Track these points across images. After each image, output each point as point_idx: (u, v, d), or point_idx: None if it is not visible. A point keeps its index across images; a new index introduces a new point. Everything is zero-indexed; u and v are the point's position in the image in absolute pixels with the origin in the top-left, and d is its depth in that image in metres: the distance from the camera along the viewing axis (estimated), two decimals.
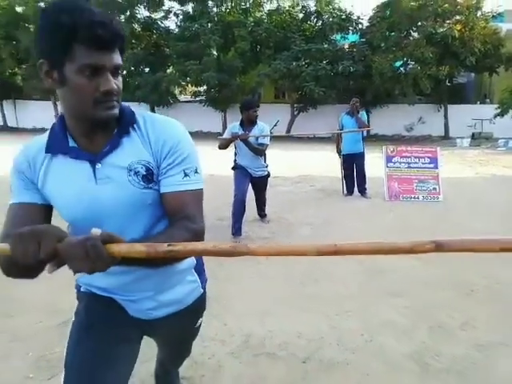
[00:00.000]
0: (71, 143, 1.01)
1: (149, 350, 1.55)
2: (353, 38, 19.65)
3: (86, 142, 1.01)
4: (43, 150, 1.02)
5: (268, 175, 4.36)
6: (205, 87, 19.63)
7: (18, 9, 19.93)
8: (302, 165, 10.21)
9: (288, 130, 20.96)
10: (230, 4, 19.21)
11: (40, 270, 0.82)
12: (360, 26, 18.92)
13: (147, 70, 20.30)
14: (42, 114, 23.52)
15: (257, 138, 3.99)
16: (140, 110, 1.13)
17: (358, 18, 18.75)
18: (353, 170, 6.22)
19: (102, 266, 0.75)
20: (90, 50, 0.88)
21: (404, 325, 2.47)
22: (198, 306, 1.29)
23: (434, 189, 6.11)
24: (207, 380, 1.92)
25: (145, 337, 1.27)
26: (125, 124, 1.02)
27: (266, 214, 4.72)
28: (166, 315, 1.18)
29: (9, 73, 19.86)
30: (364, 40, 18.35)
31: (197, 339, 2.07)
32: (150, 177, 1.02)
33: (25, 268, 0.77)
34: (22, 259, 0.74)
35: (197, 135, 20.35)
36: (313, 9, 18.63)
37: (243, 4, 19.36)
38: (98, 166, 1.00)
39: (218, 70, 18.15)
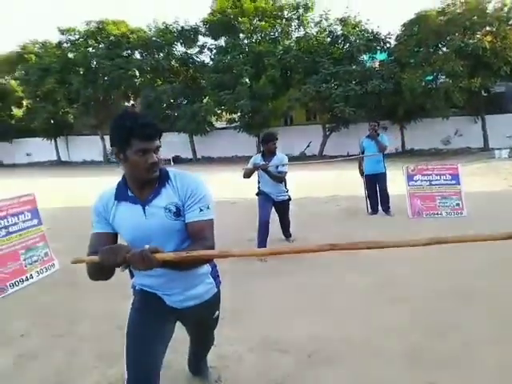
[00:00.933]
0: (130, 193, 1.61)
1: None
2: (381, 56, 19.99)
3: (139, 192, 1.60)
4: (113, 197, 1.62)
5: (289, 199, 4.85)
6: (239, 114, 20.60)
7: (70, 55, 22.13)
8: (331, 185, 10.56)
9: (321, 151, 21.38)
10: (259, 35, 20.25)
11: (114, 271, 1.39)
12: (388, 44, 19.26)
13: (185, 101, 21.63)
14: (90, 148, 25.55)
15: (277, 167, 4.52)
16: (172, 168, 1.71)
17: (385, 37, 19.10)
18: (375, 190, 6.56)
19: (151, 266, 1.31)
20: (141, 141, 1.48)
21: (402, 327, 2.83)
22: (214, 301, 1.85)
23: (457, 204, 6.29)
24: (230, 369, 2.42)
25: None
26: (162, 180, 1.61)
27: (290, 234, 5.18)
28: (191, 306, 1.73)
29: (62, 112, 21.90)
30: (392, 58, 18.63)
31: (223, 339, 2.62)
32: (178, 213, 1.59)
33: (106, 270, 1.34)
34: (106, 263, 1.31)
35: (232, 160, 21.26)
36: (339, 32, 19.21)
37: (272, 34, 20.33)
38: (147, 207, 1.58)
39: (250, 97, 19.07)
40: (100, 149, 24.91)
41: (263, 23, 19.85)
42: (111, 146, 1.54)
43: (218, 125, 25.18)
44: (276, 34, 20.51)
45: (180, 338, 2.04)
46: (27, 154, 25.64)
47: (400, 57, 17.95)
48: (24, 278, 3.97)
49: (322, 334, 2.76)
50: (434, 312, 3.06)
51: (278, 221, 5.07)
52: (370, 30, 19.03)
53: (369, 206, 6.68)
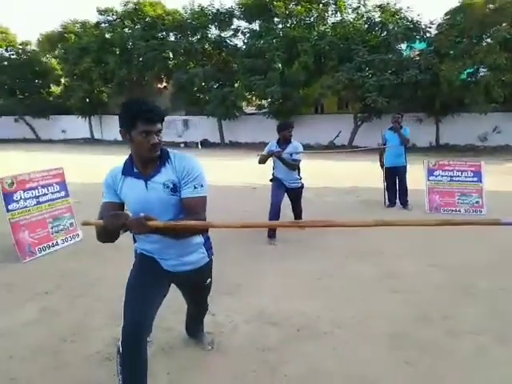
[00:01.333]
0: (135, 170, 1.82)
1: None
2: (420, 46, 19.32)
3: (142, 169, 1.82)
4: (120, 172, 1.85)
5: (302, 186, 4.98)
6: (269, 100, 20.59)
7: (107, 35, 22.72)
8: (355, 176, 10.54)
9: (351, 140, 21.09)
10: (294, 20, 20.00)
11: (117, 235, 1.62)
12: (428, 34, 18.57)
13: (216, 85, 21.81)
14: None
15: (291, 155, 4.65)
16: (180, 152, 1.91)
17: (426, 26, 18.42)
18: (395, 183, 6.57)
19: (144, 230, 1.55)
20: (145, 123, 1.68)
21: (392, 314, 2.96)
22: (206, 268, 2.09)
23: (477, 202, 6.21)
24: (224, 335, 2.65)
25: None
26: (163, 160, 1.82)
27: None
28: (185, 271, 1.97)
29: (97, 91, 22.64)
30: (432, 48, 17.98)
31: (222, 309, 2.85)
32: (174, 189, 1.80)
33: (110, 233, 1.59)
34: (110, 227, 1.55)
35: (259, 146, 21.34)
36: (377, 19, 18.69)
37: (307, 19, 20.03)
38: (148, 182, 1.80)
39: (281, 83, 18.98)
40: None
41: (299, 8, 19.56)
42: (120, 128, 1.75)
43: (248, 110, 25.28)
44: (311, 19, 20.18)
45: (179, 306, 2.29)
46: (62, 131, 26.70)
47: (440, 47, 17.28)
48: (50, 244, 4.35)
49: (314, 313, 2.93)
50: (427, 303, 3.15)
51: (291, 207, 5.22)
52: (410, 19, 18.37)
53: (386, 198, 6.70)
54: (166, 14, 22.38)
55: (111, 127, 26.91)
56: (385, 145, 6.54)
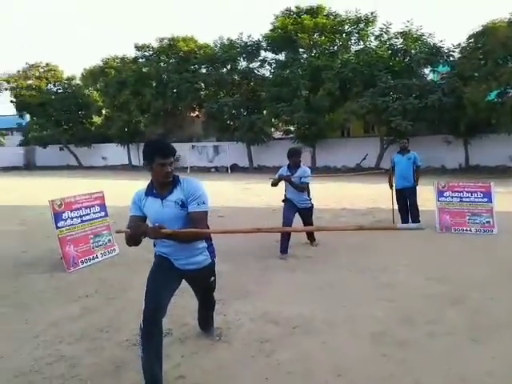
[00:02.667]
0: (154, 191, 2.42)
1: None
2: (443, 69, 19.57)
3: (160, 190, 2.42)
4: (144, 193, 2.45)
5: (311, 206, 5.46)
6: (295, 126, 21.32)
7: (144, 69, 24.48)
8: (375, 198, 10.84)
9: (377, 163, 21.29)
10: (318, 49, 20.86)
11: (140, 240, 2.20)
12: (451, 57, 18.84)
13: (245, 113, 22.86)
14: None
15: (300, 178, 5.17)
16: (188, 175, 2.50)
17: (449, 50, 18.72)
18: (405, 203, 6.93)
19: (158, 236, 2.15)
20: (161, 158, 2.28)
21: (380, 317, 3.35)
22: (209, 268, 2.63)
23: (488, 222, 6.42)
24: (231, 330, 3.15)
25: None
26: (175, 183, 2.42)
27: (314, 239, 5.77)
28: (192, 269, 2.53)
29: (134, 121, 24.22)
30: (455, 71, 18.19)
31: (232, 311, 3.36)
32: (183, 205, 2.37)
33: (134, 239, 2.18)
34: (133, 234, 2.16)
35: None
36: (400, 46, 19.18)
37: (331, 48, 20.84)
38: (164, 200, 2.39)
39: (307, 109, 19.71)
40: None
41: (322, 38, 20.46)
42: (143, 160, 2.37)
43: (276, 135, 26.10)
44: (335, 48, 20.98)
45: (194, 307, 2.83)
46: (103, 158, 28.56)
47: (463, 70, 17.49)
48: (91, 257, 5.05)
49: (310, 315, 3.38)
50: (415, 309, 3.51)
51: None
52: (432, 44, 18.77)
53: (396, 218, 7.07)
54: (198, 48, 23.91)
55: None
56: (393, 168, 7.00)
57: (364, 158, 22.32)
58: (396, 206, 7.15)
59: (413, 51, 18.75)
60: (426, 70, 19.58)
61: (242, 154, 24.24)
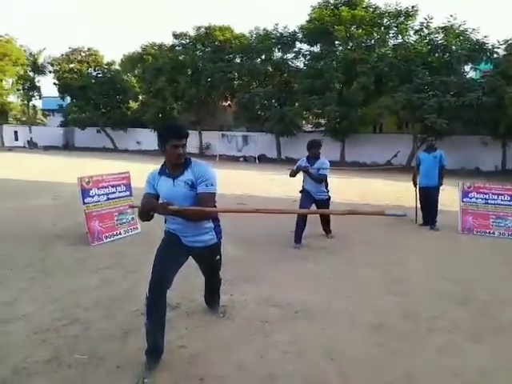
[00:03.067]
0: (167, 171, 2.58)
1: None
2: (486, 67, 18.74)
3: (172, 171, 2.57)
4: (157, 173, 2.62)
5: (328, 198, 5.50)
6: (326, 119, 21.11)
7: (180, 57, 24.88)
8: (394, 194, 10.71)
9: (409, 161, 20.80)
10: (355, 42, 20.46)
11: (151, 215, 2.37)
12: (495, 55, 18.00)
13: (276, 104, 22.85)
14: (189, 140, 28.19)
15: (318, 170, 5.22)
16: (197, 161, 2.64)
17: (493, 47, 17.89)
18: (427, 202, 6.79)
19: (166, 212, 2.33)
20: (175, 139, 2.43)
21: (384, 310, 3.40)
22: (214, 247, 2.78)
23: None
24: (235, 309, 3.30)
25: None
26: (186, 165, 2.56)
27: (330, 231, 5.81)
28: (199, 247, 2.68)
29: (169, 108, 24.75)
30: (498, 69, 17.38)
31: (238, 292, 3.51)
32: (192, 186, 2.52)
33: (146, 213, 2.38)
34: (145, 208, 2.36)
35: None
36: (440, 41, 18.51)
37: (368, 41, 20.39)
38: (175, 180, 2.54)
39: (338, 103, 19.47)
40: (197, 142, 27.50)
41: (360, 31, 20.06)
42: (158, 143, 2.52)
43: (306, 128, 25.95)
44: (372, 42, 20.51)
45: (202, 285, 3.01)
46: (137, 142, 29.44)
47: (507, 68, 16.69)
48: (115, 233, 5.34)
49: (314, 302, 3.47)
50: (420, 305, 3.53)
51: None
52: (475, 40, 17.99)
53: (416, 216, 6.96)
54: (234, 38, 24.02)
55: None
56: (418, 166, 6.85)
57: (395, 155, 21.83)
58: (418, 205, 7.05)
59: (453, 47, 18.08)
60: (467, 68, 18.85)
61: (270, 145, 24.30)
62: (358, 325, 3.12)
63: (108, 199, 5.30)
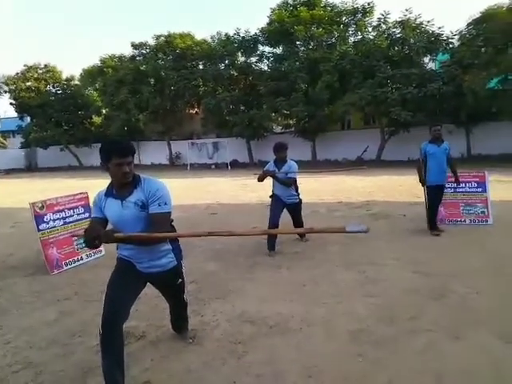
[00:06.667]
0: (114, 192, 2.34)
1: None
2: (443, 58, 19.27)
3: (119, 191, 2.33)
4: (104, 194, 2.37)
5: (299, 202, 5.35)
6: (294, 120, 21.15)
7: (142, 67, 24.38)
8: (368, 191, 10.73)
9: (379, 155, 21.12)
10: (316, 42, 20.61)
11: (97, 244, 2.11)
12: (451, 45, 18.53)
13: (243, 108, 22.71)
14: (158, 151, 27.78)
15: (286, 174, 5.07)
16: (146, 173, 2.41)
17: (448, 38, 18.41)
18: (439, 202, 5.96)
19: (110, 240, 2.05)
20: (118, 157, 2.19)
21: (361, 315, 3.26)
22: (174, 271, 2.55)
23: (483, 212, 6.28)
24: (205, 332, 3.07)
25: None
26: (135, 184, 2.33)
27: (304, 235, 5.67)
28: (156, 272, 2.44)
29: (133, 119, 24.15)
30: (454, 59, 17.88)
31: (210, 311, 3.28)
32: (143, 206, 2.29)
33: (90, 242, 2.08)
34: (87, 238, 2.06)
35: None
36: (398, 35, 18.88)
37: (329, 40, 20.58)
38: (124, 201, 2.30)
39: (305, 103, 19.53)
40: (166, 153, 27.00)
41: (320, 30, 20.21)
42: (101, 161, 2.28)
43: (276, 130, 25.93)
44: (333, 40, 20.73)
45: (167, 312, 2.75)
46: None
47: (463, 58, 17.19)
48: (76, 258, 4.99)
49: (289, 314, 3.29)
50: (397, 305, 3.41)
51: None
52: (431, 32, 18.45)
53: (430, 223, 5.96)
54: (195, 45, 23.74)
55: (148, 152, 28.47)
56: (423, 160, 5.79)
57: (365, 150, 22.11)
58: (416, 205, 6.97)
59: (412, 40, 18.46)
60: (426, 59, 19.30)
61: (241, 150, 24.13)
62: (335, 334, 2.96)
63: (65, 223, 4.96)
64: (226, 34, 22.95)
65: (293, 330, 3.04)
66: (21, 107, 28.51)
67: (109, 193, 2.36)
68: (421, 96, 17.13)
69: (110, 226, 2.39)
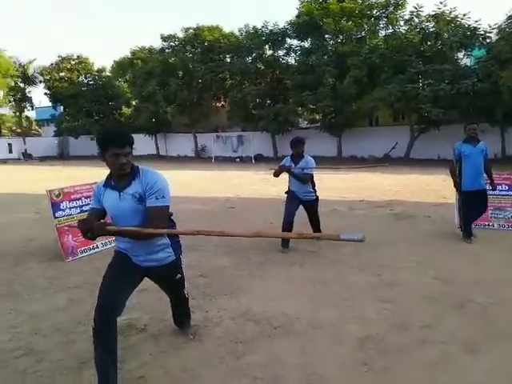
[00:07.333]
0: (112, 183, 2.29)
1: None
2: (479, 53, 18.39)
3: (117, 182, 2.27)
4: (102, 185, 2.32)
5: (316, 199, 5.19)
6: (321, 115, 20.80)
7: (170, 60, 24.59)
8: (402, 188, 10.42)
9: (407, 153, 20.49)
10: (345, 35, 20.13)
11: (91, 235, 2.07)
12: (488, 40, 17.65)
13: (269, 102, 22.54)
14: (184, 143, 28.02)
15: (303, 169, 4.92)
16: (144, 165, 2.35)
17: (485, 32, 17.53)
18: (475, 209, 5.33)
19: (102, 233, 2.03)
20: (115, 147, 2.13)
21: (371, 320, 3.10)
22: (172, 266, 2.48)
23: None
24: (207, 329, 2.99)
25: None
26: (133, 175, 2.26)
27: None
28: (152, 266, 2.38)
29: (161, 111, 24.44)
30: (491, 54, 17.01)
31: (214, 308, 3.22)
32: (141, 199, 2.22)
33: (84, 234, 2.04)
34: (80, 229, 2.02)
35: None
36: (432, 30, 18.16)
37: (358, 34, 20.05)
38: (121, 193, 2.25)
39: (332, 98, 19.15)
40: (192, 145, 27.21)
41: (349, 23, 19.72)
42: (98, 151, 2.23)
43: (303, 124, 25.63)
44: (362, 34, 20.19)
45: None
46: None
47: (500, 53, 16.32)
48: (91, 246, 5.04)
49: (295, 315, 3.17)
50: (411, 312, 3.23)
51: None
52: (467, 26, 17.63)
53: (461, 225, 5.57)
54: (223, 37, 23.70)
55: (174, 144, 28.82)
56: (459, 161, 5.24)
57: (393, 148, 21.51)
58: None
59: (445, 34, 17.71)
60: (460, 54, 18.48)
61: (266, 144, 24.02)
62: (341, 340, 2.82)
63: (82, 211, 5.01)
64: (254, 27, 22.80)
65: (297, 332, 2.92)
66: (54, 97, 29.46)
67: (107, 184, 2.32)
68: (453, 93, 16.43)
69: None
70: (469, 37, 17.36)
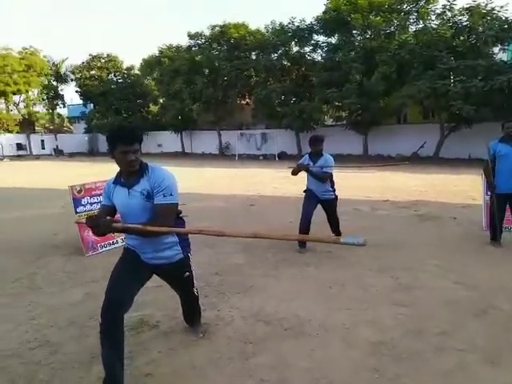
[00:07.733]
0: (122, 180, 2.30)
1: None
2: None
3: (126, 180, 2.29)
4: (112, 182, 2.34)
5: (335, 198, 5.08)
6: (347, 112, 20.44)
7: (197, 58, 24.80)
8: (429, 189, 10.11)
9: (436, 152, 19.84)
10: (373, 30, 19.68)
11: (101, 233, 2.09)
12: None
13: (294, 99, 22.36)
14: (209, 141, 28.25)
15: (321, 168, 4.83)
16: (158, 162, 2.35)
17: None
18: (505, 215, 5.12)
19: (108, 230, 2.03)
20: (123, 144, 2.15)
21: (386, 325, 3.00)
22: (181, 264, 2.48)
23: None
24: (218, 327, 2.99)
25: None
26: (142, 172, 2.27)
27: (340, 233, 5.37)
28: (160, 264, 2.39)
29: (187, 109, 24.71)
30: None
31: (227, 306, 3.21)
32: (149, 196, 2.23)
33: (92, 230, 2.07)
34: (89, 225, 2.05)
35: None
36: (465, 23, 17.46)
37: (387, 29, 19.55)
38: (130, 190, 2.26)
39: (359, 94, 18.76)
40: (216, 143, 27.40)
41: (378, 18, 19.24)
42: (107, 149, 2.25)
43: (328, 122, 25.29)
44: (391, 29, 19.66)
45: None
46: (158, 145, 29.69)
47: None
48: (111, 242, 5.15)
49: (307, 316, 3.11)
50: (428, 318, 3.10)
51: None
52: (504, 18, 16.82)
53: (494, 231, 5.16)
54: (249, 35, 23.68)
55: (199, 142, 29.11)
56: (494, 161, 4.91)
57: (422, 146, 20.87)
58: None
59: (480, 28, 16.98)
60: (496, 49, 17.67)
61: (291, 142, 23.85)
62: (353, 344, 2.74)
63: None
64: (281, 24, 22.65)
65: (308, 334, 2.86)
66: (85, 95, 30.35)
67: (117, 180, 2.34)
68: (487, 89, 15.74)
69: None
70: (506, 30, 16.55)
